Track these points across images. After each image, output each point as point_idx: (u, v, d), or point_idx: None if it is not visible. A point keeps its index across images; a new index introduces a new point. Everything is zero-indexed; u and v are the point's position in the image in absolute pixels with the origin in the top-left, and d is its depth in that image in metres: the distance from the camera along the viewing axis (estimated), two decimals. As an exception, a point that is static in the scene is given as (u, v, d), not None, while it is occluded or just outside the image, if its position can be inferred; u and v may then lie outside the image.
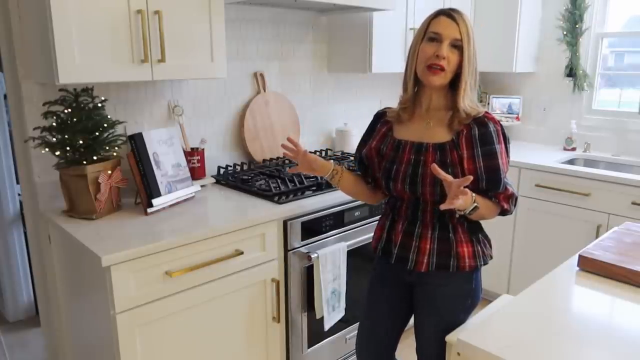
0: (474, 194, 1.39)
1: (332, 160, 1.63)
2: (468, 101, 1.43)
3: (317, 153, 2.73)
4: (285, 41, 2.59)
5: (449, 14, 1.42)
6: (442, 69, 1.40)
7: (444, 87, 1.46)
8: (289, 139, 1.62)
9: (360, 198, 1.71)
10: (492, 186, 1.42)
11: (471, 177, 1.29)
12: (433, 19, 1.44)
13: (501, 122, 1.47)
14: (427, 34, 1.43)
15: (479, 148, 1.41)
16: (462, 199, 1.30)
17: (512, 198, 1.47)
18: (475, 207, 1.37)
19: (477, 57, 1.43)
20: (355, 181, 1.66)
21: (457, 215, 1.45)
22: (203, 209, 1.90)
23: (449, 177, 1.32)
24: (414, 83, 1.50)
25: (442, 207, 1.31)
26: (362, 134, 1.68)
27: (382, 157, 1.57)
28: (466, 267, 1.47)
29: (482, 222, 1.54)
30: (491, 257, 1.55)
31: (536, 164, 2.78)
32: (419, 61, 1.44)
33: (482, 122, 1.42)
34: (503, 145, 1.44)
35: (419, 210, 1.49)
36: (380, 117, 1.63)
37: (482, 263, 1.51)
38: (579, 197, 2.63)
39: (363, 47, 2.57)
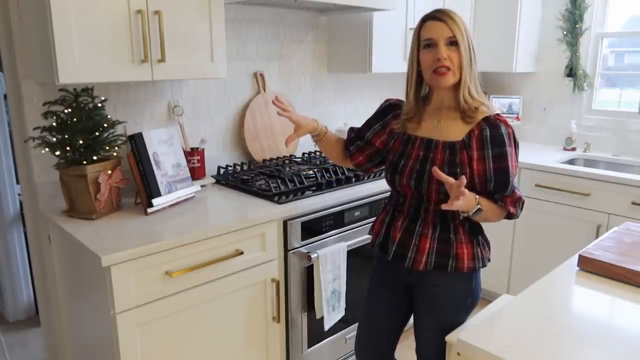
0: (477, 196, 1.39)
1: (316, 120, 1.69)
2: (474, 92, 1.43)
3: (317, 153, 2.73)
4: (285, 41, 2.59)
5: (435, 16, 1.42)
6: (448, 69, 1.40)
7: (453, 86, 1.46)
8: (276, 100, 1.65)
9: (331, 158, 1.76)
10: (500, 188, 1.42)
11: (464, 178, 1.29)
12: (422, 27, 1.45)
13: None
14: (421, 43, 1.45)
15: (489, 149, 1.41)
16: (462, 200, 1.30)
17: (519, 202, 1.47)
18: (479, 209, 1.38)
19: (474, 48, 1.44)
20: (335, 143, 1.72)
21: (461, 217, 1.45)
22: (203, 209, 1.90)
23: (450, 179, 1.32)
24: (415, 91, 1.51)
25: (443, 207, 1.32)
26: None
27: (389, 151, 1.58)
28: (464, 269, 1.47)
29: (483, 223, 1.54)
30: (489, 260, 1.55)
31: (536, 164, 2.78)
32: (424, 70, 1.46)
33: (494, 123, 1.42)
34: (513, 149, 1.44)
35: (421, 208, 1.49)
36: (392, 108, 1.63)
37: (481, 265, 1.51)
38: (579, 197, 2.63)
39: (363, 47, 2.57)
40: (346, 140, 1.73)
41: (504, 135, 1.41)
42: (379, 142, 1.63)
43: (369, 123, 1.67)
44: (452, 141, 1.44)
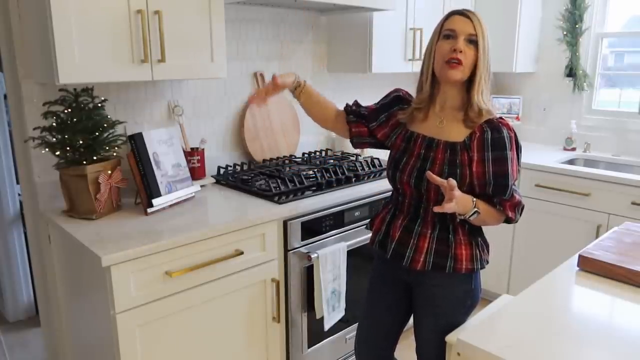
0: (474, 199, 1.39)
1: (293, 73, 1.66)
2: (484, 97, 1.44)
3: (317, 153, 2.73)
4: (285, 41, 2.59)
5: (463, 12, 1.43)
6: (460, 63, 1.40)
7: (460, 85, 1.46)
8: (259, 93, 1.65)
9: (315, 116, 1.73)
10: (499, 192, 1.42)
11: (453, 180, 1.30)
12: (447, 19, 1.45)
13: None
14: (442, 32, 1.44)
15: (489, 152, 1.40)
16: (455, 202, 1.31)
17: (518, 206, 1.46)
18: (476, 212, 1.38)
19: (489, 55, 1.45)
20: (318, 101, 1.69)
21: (458, 220, 1.45)
22: (203, 209, 1.90)
23: (445, 182, 1.32)
24: (431, 83, 1.50)
25: (435, 209, 1.32)
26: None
27: (391, 147, 1.59)
28: (462, 270, 1.47)
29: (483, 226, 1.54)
30: (487, 262, 1.55)
31: (536, 164, 2.78)
32: (437, 59, 1.45)
33: (496, 127, 1.42)
34: (515, 153, 1.43)
35: (421, 207, 1.50)
36: (399, 101, 1.62)
37: (480, 267, 1.51)
38: (579, 197, 2.63)
39: (363, 47, 2.57)
40: (348, 108, 1.70)
41: (505, 138, 1.41)
42: (381, 134, 1.63)
43: (376, 112, 1.65)
44: (453, 141, 1.44)
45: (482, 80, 1.43)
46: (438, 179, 1.32)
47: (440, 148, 1.45)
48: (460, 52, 1.39)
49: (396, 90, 1.66)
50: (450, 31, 1.42)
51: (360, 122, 1.67)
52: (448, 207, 1.30)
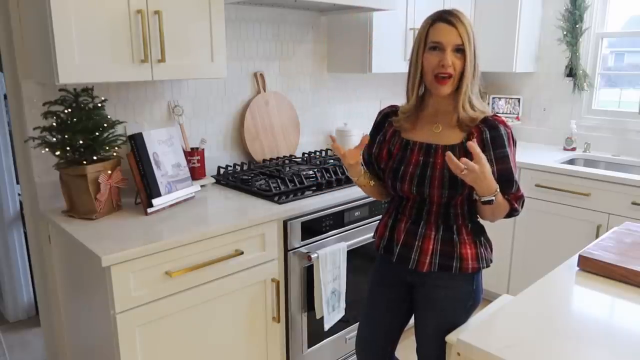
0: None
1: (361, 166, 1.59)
2: (475, 102, 1.43)
3: (317, 153, 2.73)
4: (285, 41, 2.59)
5: (447, 19, 1.39)
6: (450, 76, 1.39)
7: (450, 93, 1.45)
8: (332, 139, 1.57)
9: (375, 196, 1.70)
10: (505, 188, 1.41)
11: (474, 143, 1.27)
12: (431, 27, 1.41)
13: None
14: (427, 44, 1.41)
15: (491, 151, 1.40)
16: (476, 173, 1.26)
17: (521, 199, 1.47)
18: (497, 192, 1.35)
19: (478, 56, 1.42)
20: (375, 184, 1.65)
21: (482, 200, 1.38)
22: (203, 209, 1.90)
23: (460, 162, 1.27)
24: (418, 92, 1.49)
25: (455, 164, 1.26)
26: (361, 134, 1.66)
27: (389, 157, 1.57)
28: (469, 269, 1.47)
29: (483, 223, 1.54)
30: (491, 261, 1.55)
31: (536, 164, 2.78)
32: (425, 72, 1.43)
33: (493, 125, 1.41)
34: (512, 148, 1.44)
35: (423, 210, 1.49)
36: (387, 117, 1.61)
37: (484, 265, 1.51)
38: (579, 197, 2.63)
39: (363, 47, 2.57)
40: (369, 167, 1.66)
41: (503, 136, 1.41)
42: (384, 153, 1.59)
43: (371, 138, 1.64)
44: (451, 144, 1.44)
45: (468, 89, 1.41)
46: (456, 160, 1.27)
47: (439, 152, 1.44)
48: (450, 66, 1.38)
49: (380, 112, 1.65)
50: (436, 43, 1.39)
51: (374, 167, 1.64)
52: (472, 170, 1.25)
